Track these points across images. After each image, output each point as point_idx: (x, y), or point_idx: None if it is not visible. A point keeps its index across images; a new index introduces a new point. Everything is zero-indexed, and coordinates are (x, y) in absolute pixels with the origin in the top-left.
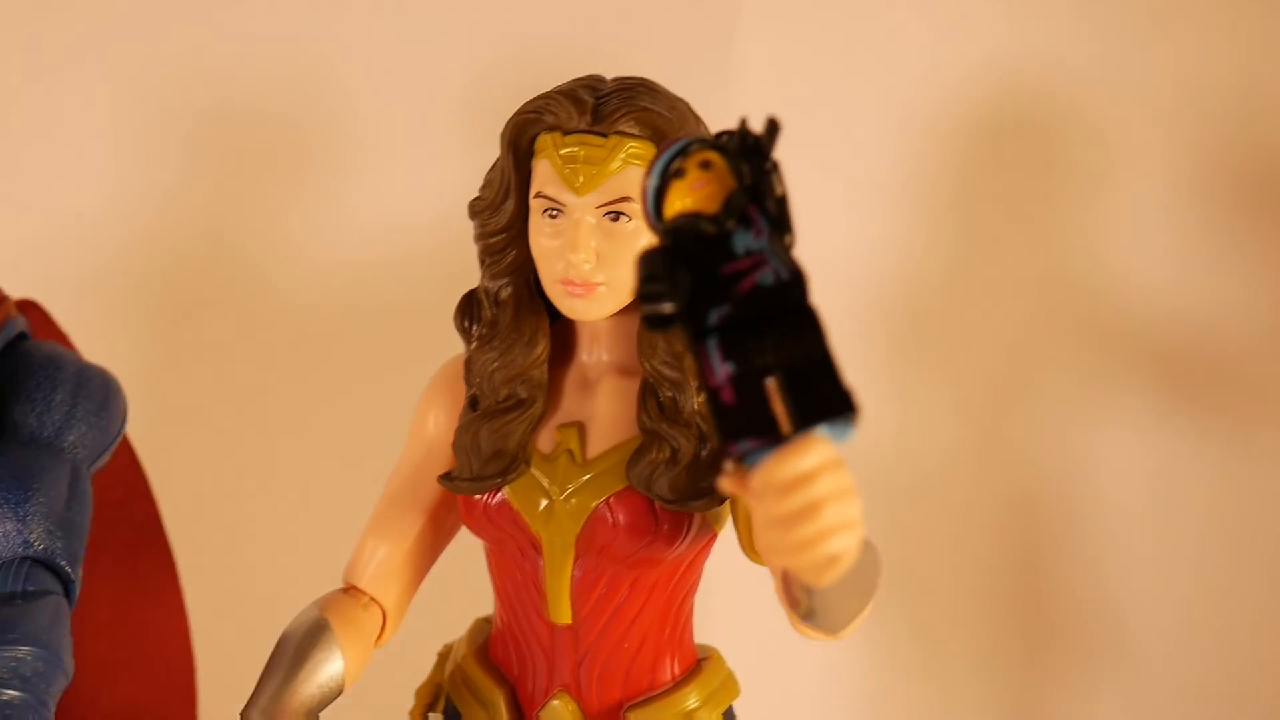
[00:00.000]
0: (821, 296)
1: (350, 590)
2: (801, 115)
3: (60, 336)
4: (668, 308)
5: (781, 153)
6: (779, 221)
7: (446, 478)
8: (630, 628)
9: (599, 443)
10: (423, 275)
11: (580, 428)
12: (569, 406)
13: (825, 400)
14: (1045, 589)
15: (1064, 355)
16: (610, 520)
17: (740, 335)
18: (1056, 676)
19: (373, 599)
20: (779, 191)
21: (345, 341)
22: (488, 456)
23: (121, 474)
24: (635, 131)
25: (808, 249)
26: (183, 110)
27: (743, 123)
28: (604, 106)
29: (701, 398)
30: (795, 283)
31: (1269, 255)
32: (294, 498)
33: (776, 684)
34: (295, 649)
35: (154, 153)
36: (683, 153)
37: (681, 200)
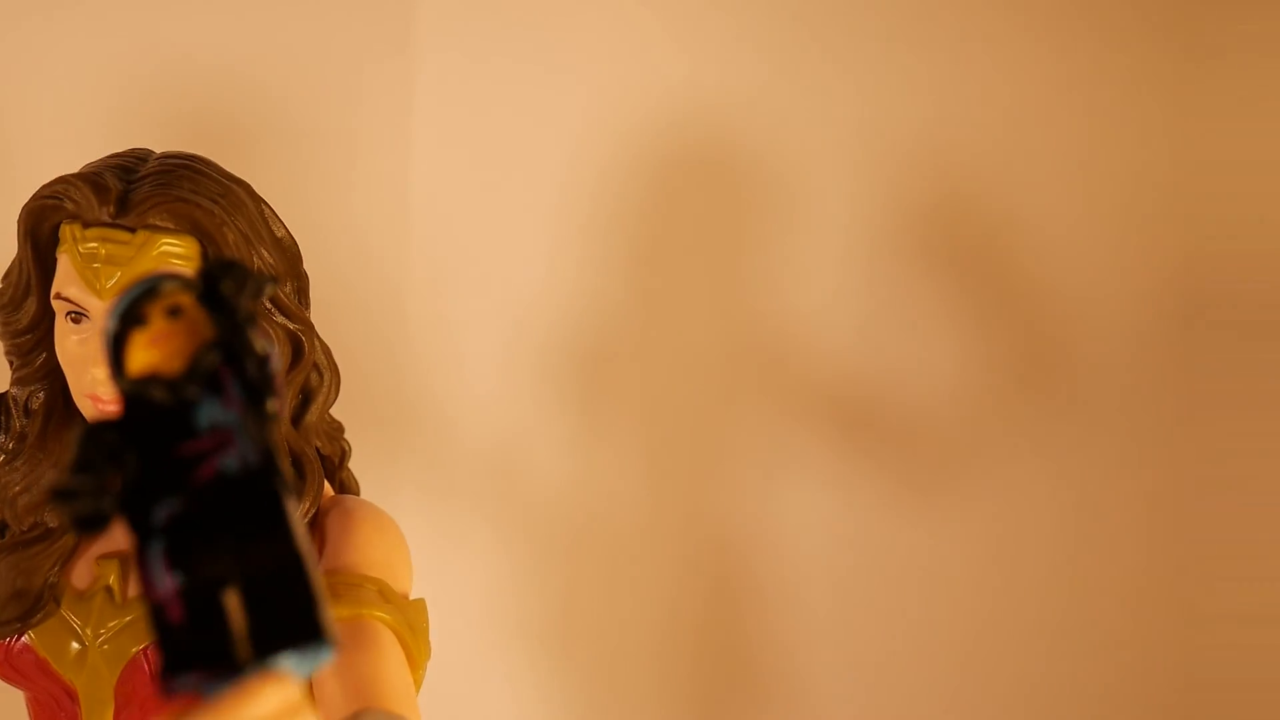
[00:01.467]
0: (508, 348)
1: None
2: (485, 170)
3: None
4: (94, 507)
5: (467, 190)
6: (257, 387)
7: None
8: None
9: None
10: None
11: (123, 560)
12: (110, 537)
13: (292, 622)
14: (726, 642)
15: (749, 406)
16: (149, 670)
17: (192, 537)
18: None
19: None
20: (258, 351)
21: None
22: (7, 597)
23: None
24: (169, 225)
25: (496, 300)
26: None
27: (214, 263)
28: (133, 194)
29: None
30: (265, 470)
31: (953, 312)
32: None
33: None
34: None
35: None
36: (149, 294)
37: (144, 354)
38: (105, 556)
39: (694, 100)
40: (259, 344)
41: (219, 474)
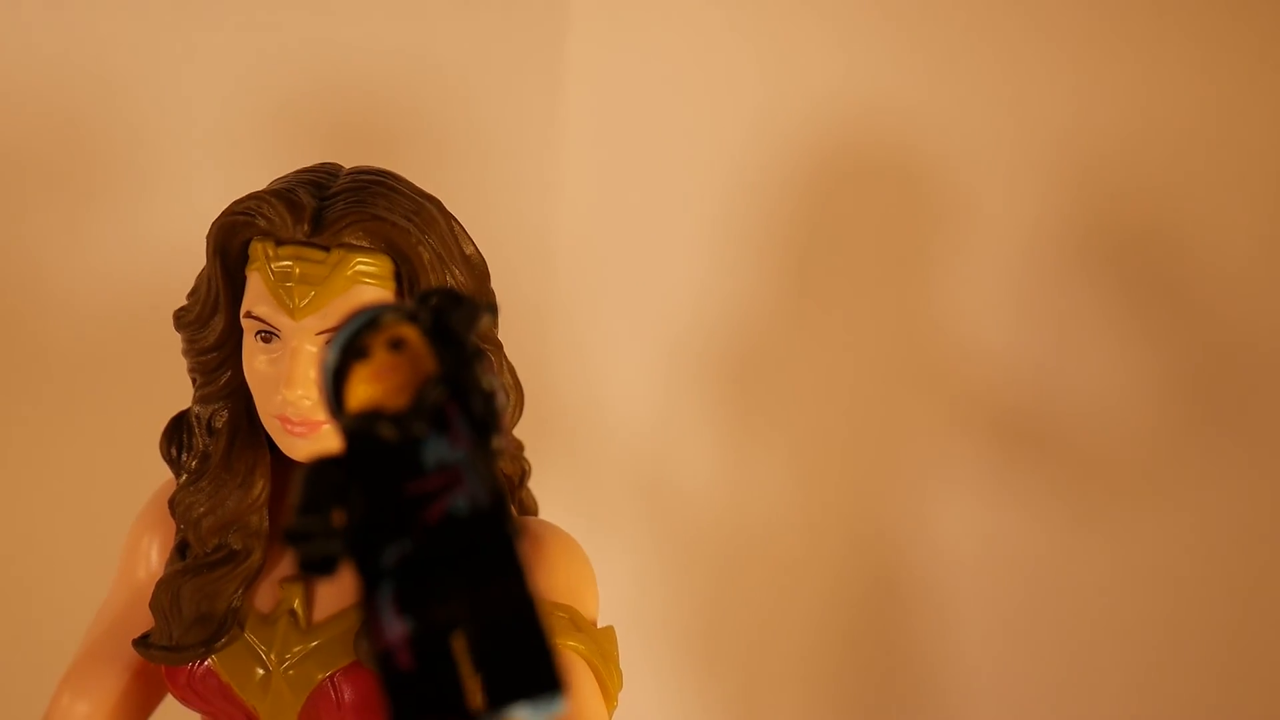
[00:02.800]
0: (659, 354)
1: None
2: (638, 176)
3: None
4: (327, 549)
5: (621, 217)
6: (483, 424)
7: (142, 643)
8: None
9: (328, 603)
10: None
11: (307, 585)
12: (293, 558)
13: (526, 671)
14: (875, 653)
15: (901, 416)
16: (334, 698)
17: (422, 581)
18: None
19: None
20: (486, 387)
21: (111, 378)
22: (190, 622)
23: None
24: (364, 244)
25: (653, 303)
26: None
27: (441, 294)
28: (327, 212)
29: None
30: (496, 511)
31: (1116, 322)
32: (64, 537)
33: None
34: None
35: None
36: (371, 325)
37: (365, 389)
38: (288, 580)
39: (849, 107)
40: (486, 379)
41: (448, 514)
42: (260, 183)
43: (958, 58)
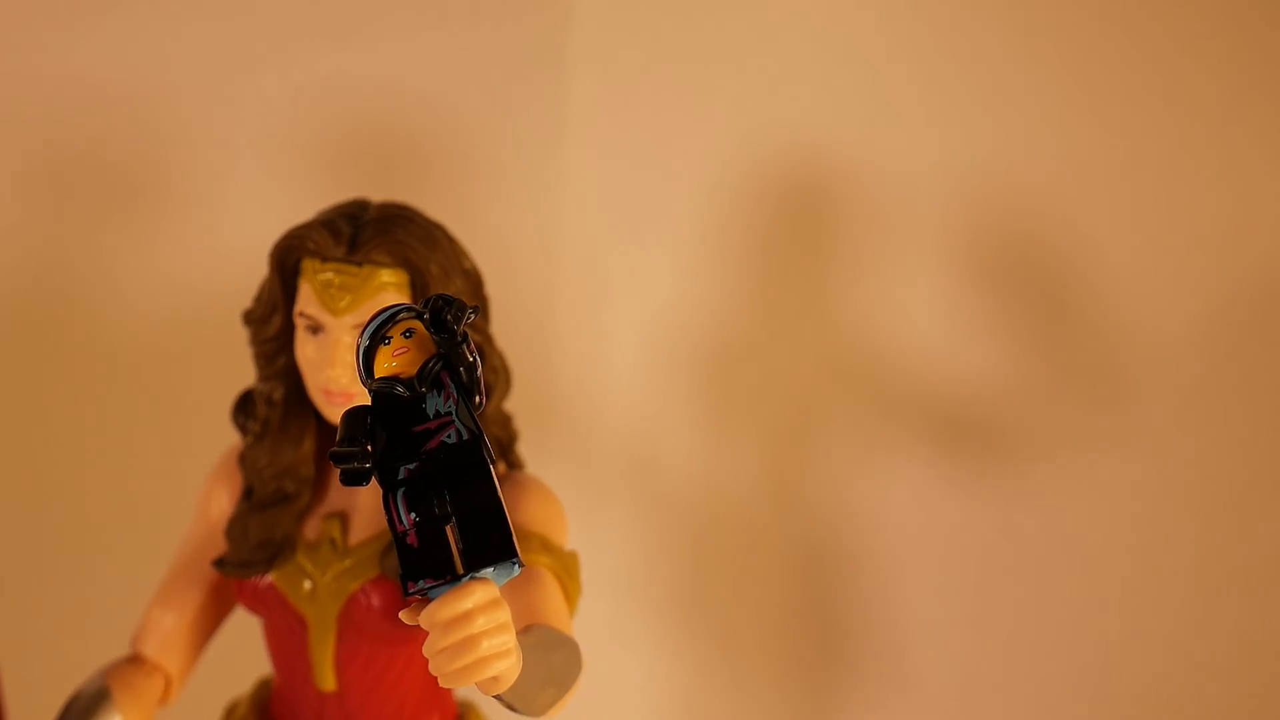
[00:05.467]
0: (645, 347)
1: (135, 657)
2: (628, 189)
3: None
4: (359, 465)
5: (614, 224)
6: (468, 388)
7: (219, 563)
8: (390, 692)
9: (359, 532)
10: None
11: (343, 518)
12: (335, 498)
13: (492, 547)
14: (835, 616)
15: (849, 410)
16: (365, 603)
17: (423, 488)
18: (843, 703)
19: (156, 666)
20: (469, 360)
21: (177, 370)
22: (255, 545)
23: None
24: (387, 261)
25: (640, 303)
26: (38, 139)
27: (438, 298)
28: (360, 237)
29: None
30: (474, 442)
31: (1030, 329)
32: (133, 523)
33: (594, 695)
34: (78, 716)
35: None
36: (391, 320)
37: (387, 362)
38: (329, 515)
39: (812, 137)
40: (469, 357)
41: (442, 445)
42: (300, 200)
43: (903, 101)
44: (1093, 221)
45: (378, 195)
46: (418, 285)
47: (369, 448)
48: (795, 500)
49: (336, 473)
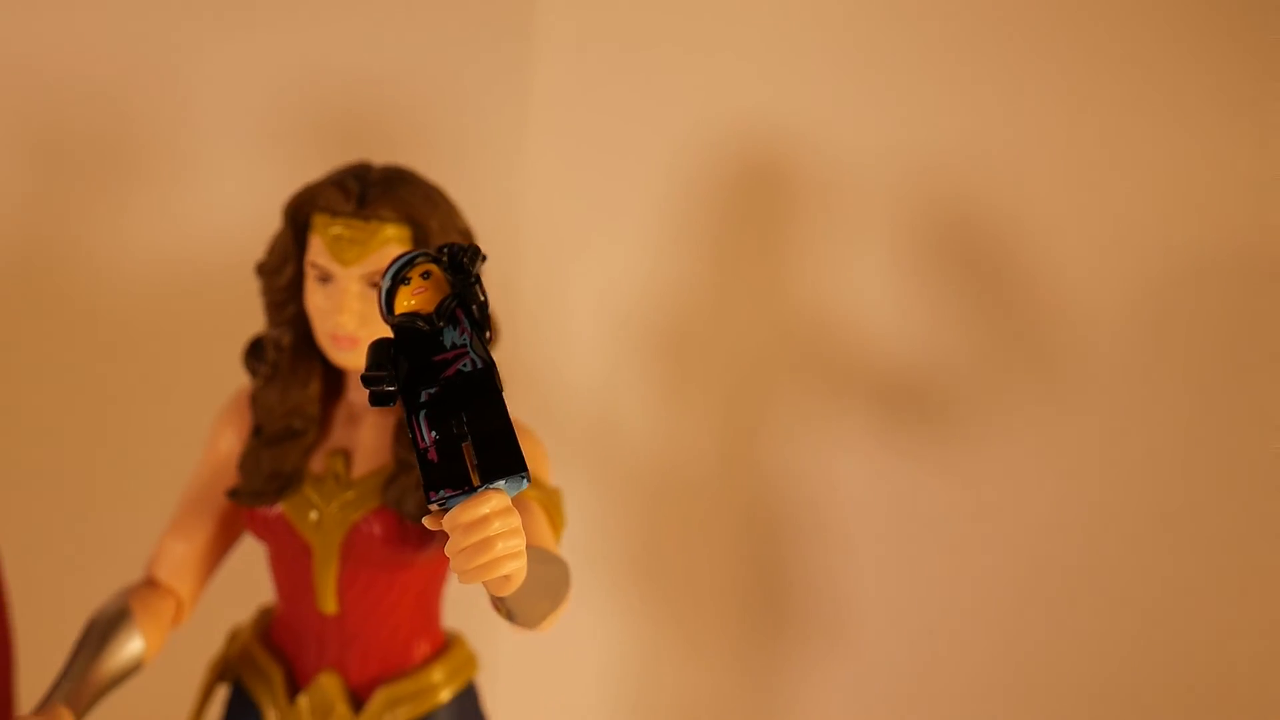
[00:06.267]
0: (604, 319)
1: (151, 582)
2: (591, 167)
3: None
4: (387, 388)
5: (577, 200)
6: (480, 323)
7: (233, 493)
8: (387, 617)
9: (361, 466)
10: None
11: (346, 454)
12: (338, 436)
13: (504, 462)
14: (780, 574)
15: (795, 381)
16: (367, 531)
17: (442, 410)
18: (792, 661)
19: (170, 590)
20: (481, 299)
21: (176, 336)
22: (267, 476)
23: None
24: (392, 217)
25: (599, 277)
26: (15, 118)
27: (453, 245)
28: (367, 195)
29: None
30: (487, 371)
31: (974, 302)
32: (114, 489)
33: (556, 648)
34: (101, 632)
35: None
36: (410, 263)
37: (407, 301)
38: (333, 451)
39: (764, 124)
40: (481, 295)
41: (459, 373)
42: (280, 173)
43: (846, 86)
44: (1035, 198)
45: None
46: (419, 240)
47: (392, 373)
48: (747, 467)
49: (340, 413)
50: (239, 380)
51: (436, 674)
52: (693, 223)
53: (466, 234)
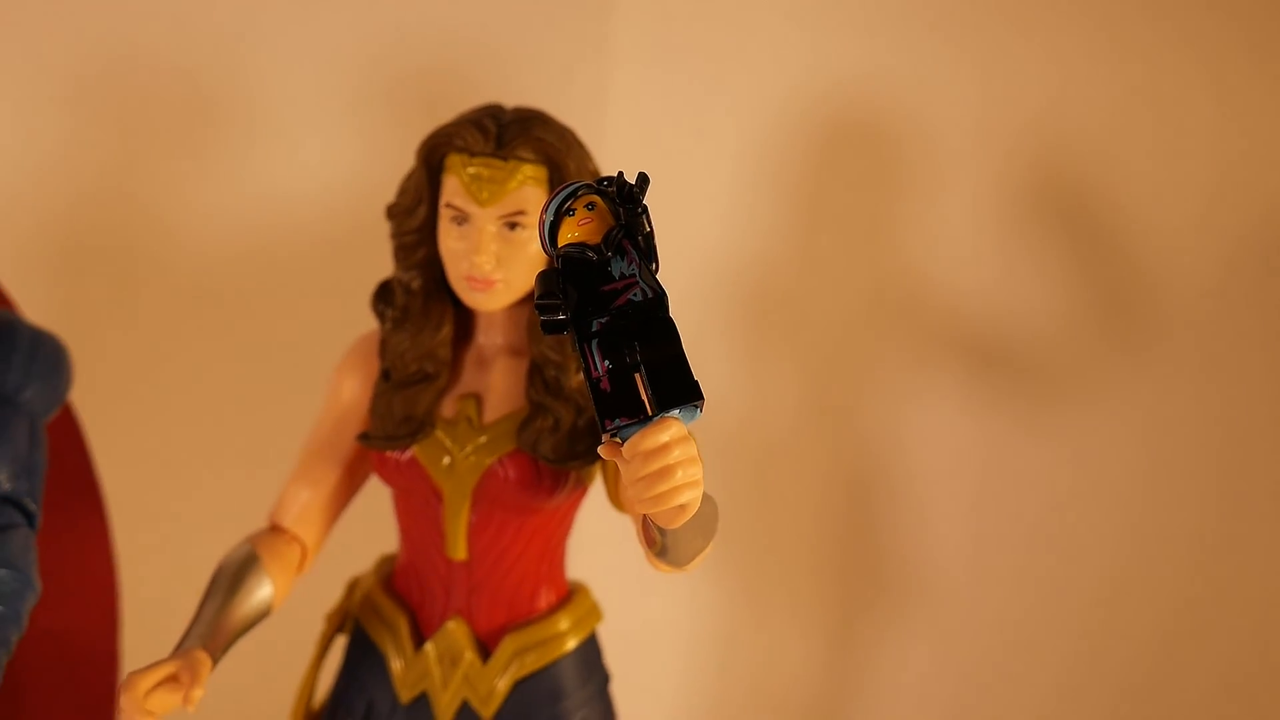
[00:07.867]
0: (690, 282)
1: (275, 528)
2: (677, 129)
3: (7, 303)
4: (560, 316)
5: (661, 161)
6: (647, 253)
7: (364, 437)
8: (515, 564)
9: (493, 411)
10: (334, 241)
11: (478, 398)
12: (468, 380)
13: (679, 390)
14: (863, 545)
15: (890, 344)
16: (502, 475)
17: (615, 339)
18: (868, 626)
19: (294, 536)
20: (647, 229)
21: (265, 305)
22: (400, 420)
23: (58, 425)
24: (530, 157)
25: (682, 241)
26: (97, 88)
27: (620, 175)
28: (505, 134)
29: (579, 377)
30: (658, 300)
31: (1068, 264)
32: (214, 449)
33: (636, 614)
34: (231, 577)
35: (71, 130)
36: (574, 195)
37: (571, 232)
38: (465, 395)
39: (854, 88)
40: (647, 226)
41: (629, 302)
42: (358, 141)
43: (932, 44)
44: (1132, 161)
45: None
46: (555, 180)
47: (563, 302)
48: (828, 434)
49: (470, 358)
50: (321, 344)
51: (563, 622)
52: (779, 183)
53: (596, 175)
